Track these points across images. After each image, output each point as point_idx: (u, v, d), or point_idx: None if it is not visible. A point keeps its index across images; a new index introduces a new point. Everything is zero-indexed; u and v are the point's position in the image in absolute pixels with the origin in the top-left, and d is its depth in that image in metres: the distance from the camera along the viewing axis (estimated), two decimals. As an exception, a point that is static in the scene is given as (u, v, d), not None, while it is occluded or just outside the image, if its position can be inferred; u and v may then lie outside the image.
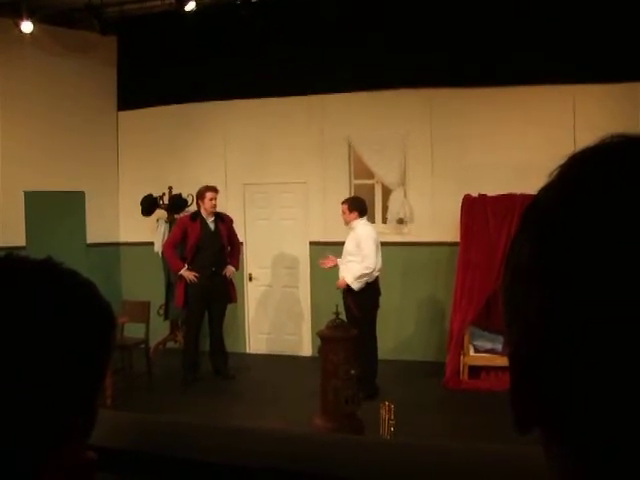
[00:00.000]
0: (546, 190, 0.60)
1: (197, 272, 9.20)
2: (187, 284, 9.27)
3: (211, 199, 9.33)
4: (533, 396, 0.59)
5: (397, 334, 10.10)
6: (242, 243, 10.49)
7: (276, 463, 1.91)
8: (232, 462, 1.93)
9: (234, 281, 9.76)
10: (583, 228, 0.54)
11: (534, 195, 0.62)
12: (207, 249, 9.26)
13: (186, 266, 9.27)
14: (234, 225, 9.78)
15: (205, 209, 9.36)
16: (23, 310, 0.89)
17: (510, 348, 0.62)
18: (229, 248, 9.57)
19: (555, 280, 0.55)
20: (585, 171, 0.57)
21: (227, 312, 11.34)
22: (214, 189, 9.41)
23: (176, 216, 10.82)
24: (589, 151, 0.59)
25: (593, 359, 0.52)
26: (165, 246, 9.71)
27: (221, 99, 11.03)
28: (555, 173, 0.60)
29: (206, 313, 9.60)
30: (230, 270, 9.53)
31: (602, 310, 0.52)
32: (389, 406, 5.44)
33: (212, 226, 9.40)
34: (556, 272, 0.55)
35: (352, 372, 6.41)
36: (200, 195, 9.43)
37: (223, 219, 9.59)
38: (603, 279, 0.52)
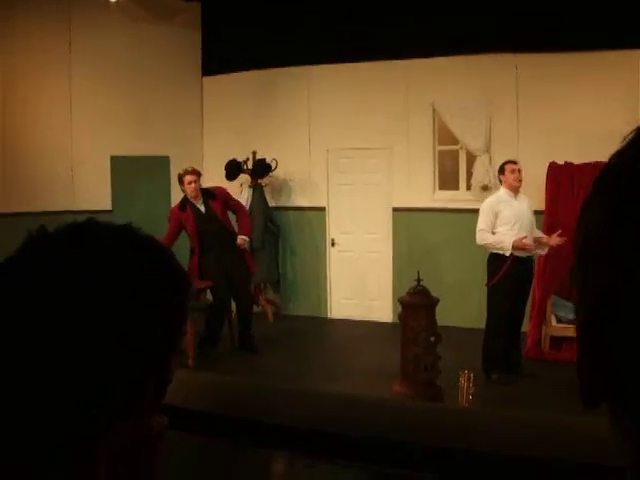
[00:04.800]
0: (619, 156, 0.57)
1: (208, 256, 8.87)
2: (201, 260, 8.91)
3: (190, 182, 8.88)
4: (601, 369, 0.57)
5: (480, 303, 10.01)
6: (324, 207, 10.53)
7: (353, 428, 1.93)
8: (309, 426, 1.96)
9: (248, 251, 9.48)
10: None
11: (607, 161, 0.60)
12: (207, 232, 8.87)
13: None
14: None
15: (188, 194, 8.95)
16: (102, 273, 0.91)
17: (580, 318, 0.60)
18: (237, 216, 9.29)
19: (627, 249, 0.53)
20: None
21: (309, 276, 11.44)
22: (193, 172, 8.96)
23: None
24: None
25: None
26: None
27: (305, 64, 11.01)
28: (629, 137, 0.57)
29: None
30: (241, 239, 9.15)
31: None
32: (468, 374, 5.41)
33: (203, 208, 8.98)
34: (628, 242, 0.53)
35: (432, 339, 6.39)
36: (180, 180, 9.04)
37: (214, 195, 9.11)
38: None
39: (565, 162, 9.25)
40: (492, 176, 9.99)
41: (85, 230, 0.96)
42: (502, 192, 7.94)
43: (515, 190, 7.90)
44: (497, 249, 7.70)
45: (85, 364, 0.87)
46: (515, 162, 7.98)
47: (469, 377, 5.44)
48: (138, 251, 0.97)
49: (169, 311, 0.98)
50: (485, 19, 9.66)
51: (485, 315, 8.16)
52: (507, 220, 7.74)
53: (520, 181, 7.86)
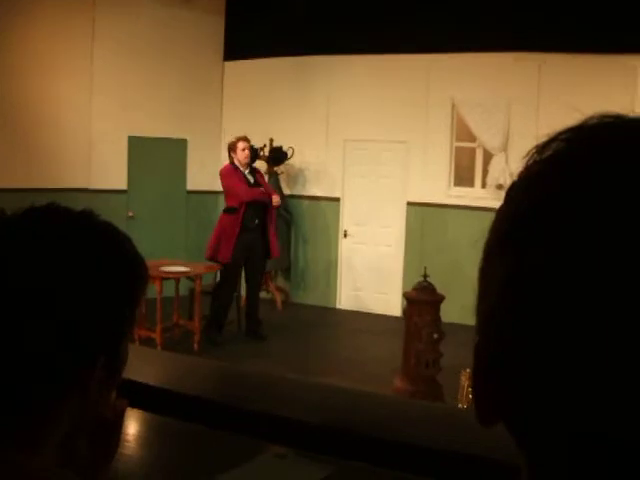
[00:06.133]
0: (526, 169, 0.58)
1: (244, 225, 8.77)
2: (238, 240, 8.79)
3: (243, 149, 8.91)
4: (494, 389, 0.57)
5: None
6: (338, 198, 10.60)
7: (334, 421, 1.95)
8: (294, 416, 1.98)
9: (275, 233, 9.37)
10: (556, 216, 0.52)
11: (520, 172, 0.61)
12: (251, 202, 8.81)
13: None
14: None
15: (239, 160, 8.93)
16: (56, 255, 0.93)
17: (480, 314, 0.60)
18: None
19: (521, 258, 0.53)
20: (566, 154, 0.56)
21: (320, 266, 11.45)
22: (246, 138, 9.01)
23: (275, 168, 10.87)
24: (573, 131, 0.57)
25: (557, 354, 0.50)
26: (243, 196, 8.79)
27: (326, 54, 11.00)
28: (534, 151, 0.58)
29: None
30: (276, 200, 9.15)
31: (562, 300, 0.50)
32: (470, 373, 5.41)
33: (251, 178, 9.01)
34: (523, 250, 0.53)
35: (435, 336, 6.38)
36: (232, 147, 9.01)
37: (257, 171, 9.27)
38: (569, 264, 0.50)
39: (581, 165, 9.18)
40: (508, 175, 9.97)
41: (43, 213, 0.98)
42: None
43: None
44: None
45: (27, 342, 0.89)
46: None
47: (470, 376, 5.44)
48: (96, 236, 0.99)
49: (123, 296, 1.00)
50: (509, 17, 9.61)
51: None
52: None
53: None
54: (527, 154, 0.59)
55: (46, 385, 0.92)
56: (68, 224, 0.98)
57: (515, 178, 0.59)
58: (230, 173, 8.98)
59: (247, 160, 9.00)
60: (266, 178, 10.96)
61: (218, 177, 11.68)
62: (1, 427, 0.90)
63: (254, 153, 10.88)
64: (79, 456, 1.03)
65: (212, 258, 8.95)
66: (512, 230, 0.56)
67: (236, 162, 8.98)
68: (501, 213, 0.59)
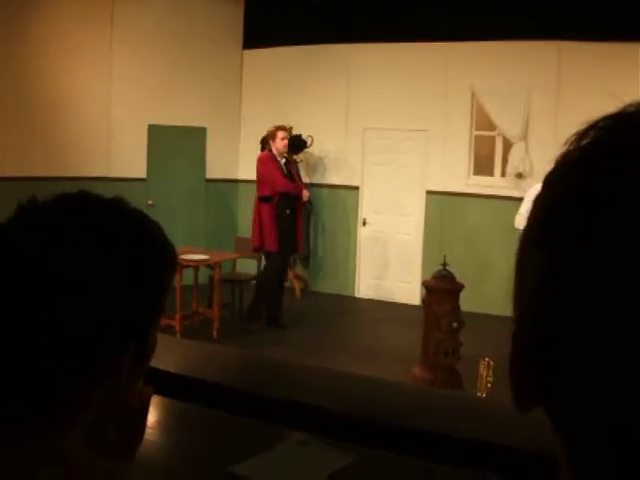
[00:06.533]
0: (564, 156, 0.58)
1: (277, 215, 8.85)
2: (278, 228, 8.87)
3: (283, 138, 9.00)
4: (531, 375, 0.57)
5: (508, 290, 9.94)
6: (358, 187, 10.59)
7: (352, 408, 1.95)
8: (308, 401, 1.98)
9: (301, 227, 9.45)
10: (594, 205, 0.51)
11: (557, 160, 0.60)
12: (285, 193, 8.92)
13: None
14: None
15: (277, 149, 9.00)
16: (88, 242, 0.93)
17: (518, 306, 0.60)
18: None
19: (557, 252, 0.53)
20: (605, 141, 0.55)
21: (339, 254, 11.47)
22: (285, 128, 9.11)
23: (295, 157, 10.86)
24: (611, 119, 0.56)
25: (591, 353, 0.50)
26: (279, 186, 8.91)
27: (346, 42, 10.97)
28: (573, 139, 0.58)
29: None
30: (306, 195, 9.36)
31: (599, 292, 0.50)
32: (488, 362, 5.39)
33: (285, 169, 9.11)
34: (559, 243, 0.53)
35: (454, 325, 6.37)
36: (271, 135, 9.05)
37: (289, 161, 9.36)
38: (605, 259, 0.50)
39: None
40: (527, 164, 9.92)
41: (74, 200, 0.99)
42: None
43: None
44: None
45: (59, 325, 0.90)
46: None
47: (489, 365, 5.43)
48: (126, 223, 1.00)
49: (153, 283, 1.00)
50: (529, 5, 9.54)
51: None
52: None
53: None
54: (566, 141, 0.58)
55: (78, 368, 0.92)
56: (99, 211, 0.98)
57: (553, 166, 0.59)
58: (268, 161, 9.03)
59: (286, 149, 9.10)
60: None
61: (236, 165, 11.72)
62: (32, 410, 0.91)
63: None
64: (107, 443, 1.03)
65: (259, 248, 9.02)
66: (548, 218, 0.56)
67: (274, 151, 9.02)
68: (538, 201, 0.59)
